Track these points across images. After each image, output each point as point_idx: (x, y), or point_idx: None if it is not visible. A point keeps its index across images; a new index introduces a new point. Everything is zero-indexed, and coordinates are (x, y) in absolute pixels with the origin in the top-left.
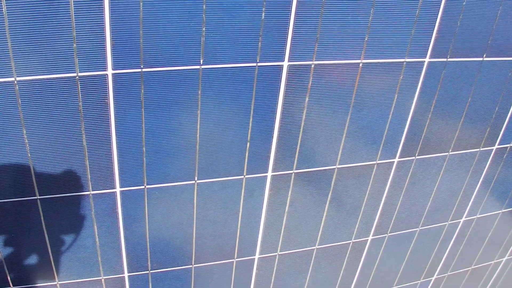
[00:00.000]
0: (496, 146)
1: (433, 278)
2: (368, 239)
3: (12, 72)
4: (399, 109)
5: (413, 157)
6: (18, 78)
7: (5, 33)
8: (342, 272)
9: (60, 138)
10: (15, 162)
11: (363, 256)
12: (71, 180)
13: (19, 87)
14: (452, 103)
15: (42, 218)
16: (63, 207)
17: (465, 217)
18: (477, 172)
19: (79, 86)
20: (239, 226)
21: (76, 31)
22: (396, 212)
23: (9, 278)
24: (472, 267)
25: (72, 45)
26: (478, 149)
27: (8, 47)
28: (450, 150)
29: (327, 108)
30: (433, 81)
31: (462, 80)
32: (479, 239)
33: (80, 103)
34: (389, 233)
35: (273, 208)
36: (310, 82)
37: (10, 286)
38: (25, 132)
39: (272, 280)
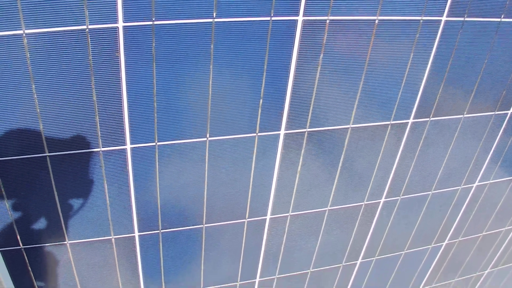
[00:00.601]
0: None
1: (444, 243)
2: (380, 201)
3: (20, 25)
4: (414, 69)
5: (428, 119)
6: (26, 31)
7: None
8: (353, 234)
9: (69, 94)
10: (24, 118)
11: (375, 218)
12: (81, 137)
13: (27, 40)
14: (468, 64)
15: (51, 176)
16: (72, 165)
17: (478, 182)
18: (492, 136)
19: (89, 39)
20: (250, 186)
21: None
22: (409, 174)
23: (19, 237)
24: (484, 233)
25: None
26: (493, 113)
27: None
28: (465, 113)
29: (342, 66)
30: (450, 41)
31: (479, 41)
32: (491, 205)
33: (90, 57)
34: (402, 196)
35: (285, 167)
36: (325, 38)
37: (20, 246)
38: (34, 87)
39: (284, 242)
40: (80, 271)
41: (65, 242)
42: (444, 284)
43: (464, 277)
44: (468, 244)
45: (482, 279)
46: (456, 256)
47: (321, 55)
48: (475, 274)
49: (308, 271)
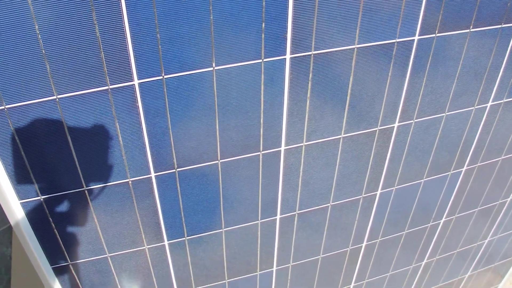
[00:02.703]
0: None
1: (463, 170)
2: (394, 126)
3: None
4: None
5: (434, 35)
6: None
7: None
8: (370, 163)
9: (72, 30)
10: (28, 58)
11: (391, 145)
12: (88, 75)
13: None
14: None
15: (63, 119)
16: (83, 106)
17: (492, 102)
18: (502, 50)
19: None
20: (261, 116)
21: None
22: (420, 96)
23: (37, 188)
24: (502, 158)
25: None
26: (499, 26)
27: None
28: (471, 27)
29: None
30: None
31: None
32: (508, 126)
33: None
34: (415, 119)
35: (294, 94)
36: None
37: (39, 196)
38: (37, 27)
39: (301, 174)
40: (100, 217)
41: (83, 189)
42: (467, 214)
43: (486, 206)
44: (487, 170)
45: (505, 206)
46: (477, 184)
47: None
48: (497, 202)
49: (328, 204)
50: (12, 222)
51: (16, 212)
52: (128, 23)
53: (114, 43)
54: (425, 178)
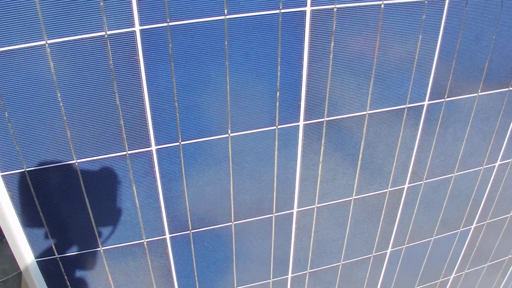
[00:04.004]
0: None
1: (473, 227)
2: (404, 187)
3: (43, 35)
4: (424, 50)
5: (443, 100)
6: (49, 41)
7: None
8: (381, 223)
9: (93, 99)
10: (50, 124)
11: (401, 205)
12: (107, 141)
13: (50, 50)
14: (477, 41)
15: (81, 182)
16: (101, 169)
17: (500, 161)
18: (510, 111)
19: (109, 45)
20: (275, 180)
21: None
22: (430, 158)
23: (54, 247)
24: (511, 214)
25: (99, 3)
26: (507, 89)
27: (37, 11)
28: (479, 91)
29: (353, 53)
30: (456, 19)
31: (485, 17)
32: None
33: (111, 62)
34: (425, 180)
35: (307, 158)
36: (334, 26)
37: (55, 255)
38: (59, 95)
39: (312, 235)
40: (115, 276)
41: (99, 249)
42: (477, 269)
43: (496, 261)
44: (497, 226)
45: None
46: (486, 240)
47: (332, 43)
48: (507, 257)
49: (339, 263)
50: (27, 280)
51: (32, 271)
52: (148, 93)
53: (133, 111)
54: (435, 236)
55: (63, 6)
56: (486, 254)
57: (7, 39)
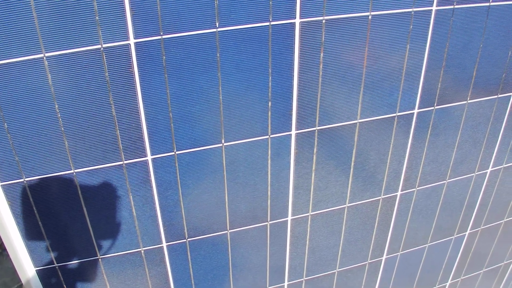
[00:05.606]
0: None
1: (467, 233)
2: (397, 194)
3: (40, 48)
4: (413, 59)
5: (432, 107)
6: (46, 54)
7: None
8: (375, 230)
9: (90, 110)
10: (48, 135)
11: (394, 212)
12: (104, 151)
13: (48, 63)
14: (464, 50)
15: (79, 191)
16: (98, 179)
17: (492, 168)
18: (499, 117)
19: (105, 57)
20: (269, 188)
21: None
22: (421, 165)
23: (53, 256)
24: (505, 220)
25: (95, 17)
26: (496, 96)
27: (35, 25)
28: (468, 99)
29: (342, 62)
30: (443, 29)
31: (471, 27)
32: (508, 190)
33: (107, 74)
34: (417, 187)
35: (300, 167)
36: (323, 37)
37: (54, 264)
38: (57, 106)
39: (307, 242)
40: (113, 284)
41: (97, 257)
42: (473, 276)
43: (492, 267)
44: (491, 232)
45: (510, 268)
46: (481, 246)
47: (322, 54)
48: (502, 263)
49: (335, 271)
50: None
51: (33, 283)
52: (143, 104)
53: (129, 121)
54: (429, 242)
55: (60, 20)
56: (482, 260)
57: (6, 52)
